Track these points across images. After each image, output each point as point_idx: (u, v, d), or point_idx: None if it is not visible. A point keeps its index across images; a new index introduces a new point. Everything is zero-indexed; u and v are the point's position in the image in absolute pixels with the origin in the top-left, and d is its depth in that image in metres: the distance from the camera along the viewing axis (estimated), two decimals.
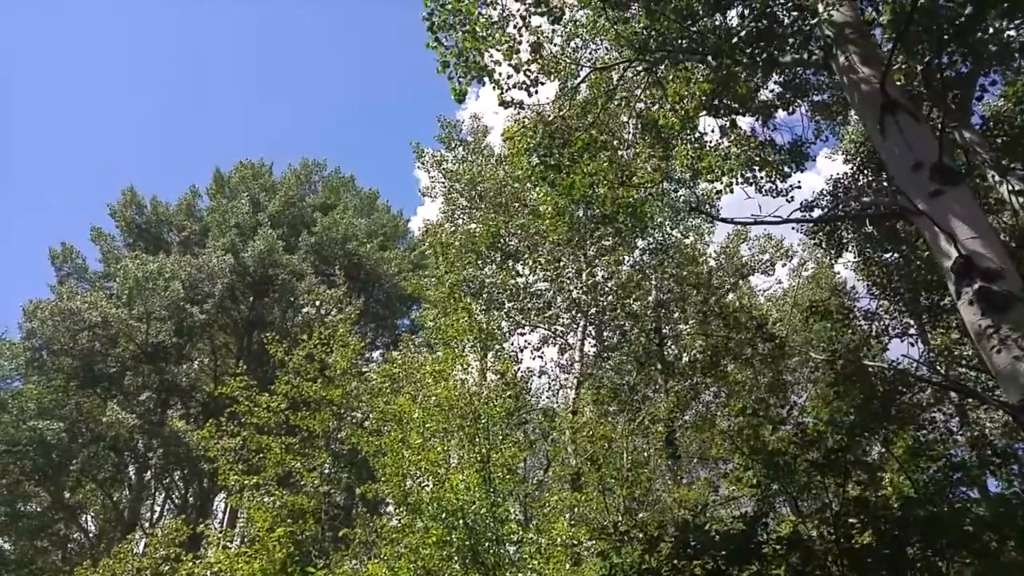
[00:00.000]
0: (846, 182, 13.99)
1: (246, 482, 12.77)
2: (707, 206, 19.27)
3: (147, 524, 30.24)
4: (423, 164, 23.94)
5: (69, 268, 32.71)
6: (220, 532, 14.89)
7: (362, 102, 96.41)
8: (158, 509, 33.51)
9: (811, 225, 15.09)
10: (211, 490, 29.93)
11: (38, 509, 31.45)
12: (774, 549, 5.13)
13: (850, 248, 14.84)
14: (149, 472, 31.66)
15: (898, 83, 9.88)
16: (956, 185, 6.18)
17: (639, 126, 15.07)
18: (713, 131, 12.97)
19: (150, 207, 34.42)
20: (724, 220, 9.74)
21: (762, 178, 14.10)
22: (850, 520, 5.23)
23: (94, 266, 33.49)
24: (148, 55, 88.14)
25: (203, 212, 34.90)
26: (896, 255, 14.34)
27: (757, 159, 14.14)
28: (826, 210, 13.62)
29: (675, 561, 5.24)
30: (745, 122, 14.29)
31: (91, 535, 33.58)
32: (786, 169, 14.16)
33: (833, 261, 18.06)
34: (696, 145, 14.00)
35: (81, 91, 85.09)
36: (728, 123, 13.68)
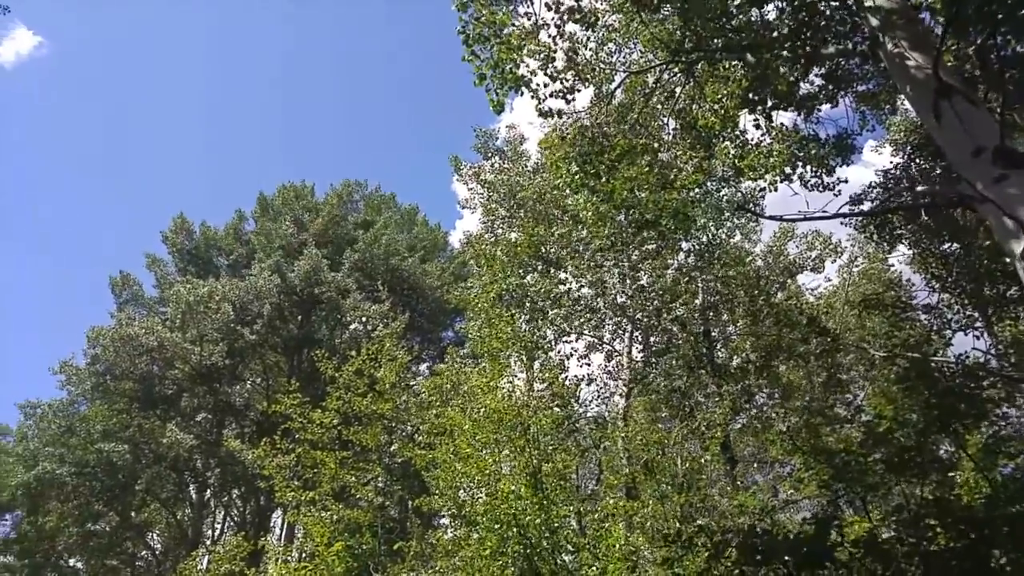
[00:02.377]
0: (897, 172, 13.58)
1: (302, 498, 12.93)
2: (751, 205, 18.94)
3: (209, 541, 30.92)
4: (461, 176, 24.06)
5: (127, 295, 33.78)
6: (280, 548, 15.09)
7: (398, 119, 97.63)
8: (219, 527, 34.23)
9: (861, 219, 14.69)
10: (268, 507, 30.45)
11: (107, 528, 32.47)
12: (849, 552, 4.95)
13: (904, 241, 14.39)
14: (208, 491, 32.39)
15: (950, 65, 9.57)
16: (1021, 168, 5.94)
17: (678, 127, 14.90)
18: (757, 127, 12.72)
19: (199, 232, 35.32)
20: (770, 218, 9.55)
21: (807, 174, 13.81)
22: (929, 521, 5.02)
23: (150, 292, 34.53)
24: (182, 88, 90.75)
25: (249, 235, 35.66)
26: (955, 245, 13.84)
27: (801, 154, 13.85)
28: (876, 203, 13.25)
29: (743, 567, 5.11)
30: (787, 117, 14.02)
31: (157, 553, 34.50)
32: (831, 163, 13.84)
33: (886, 255, 17.55)
34: (737, 143, 13.78)
35: (131, 125, 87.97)
36: (769, 119, 13.43)
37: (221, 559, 17.69)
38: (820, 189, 13.78)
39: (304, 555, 15.98)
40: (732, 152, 14.01)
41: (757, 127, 12.58)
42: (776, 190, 13.91)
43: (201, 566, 21.34)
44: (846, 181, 13.28)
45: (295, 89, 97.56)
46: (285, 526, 29.21)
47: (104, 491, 29.95)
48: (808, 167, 13.80)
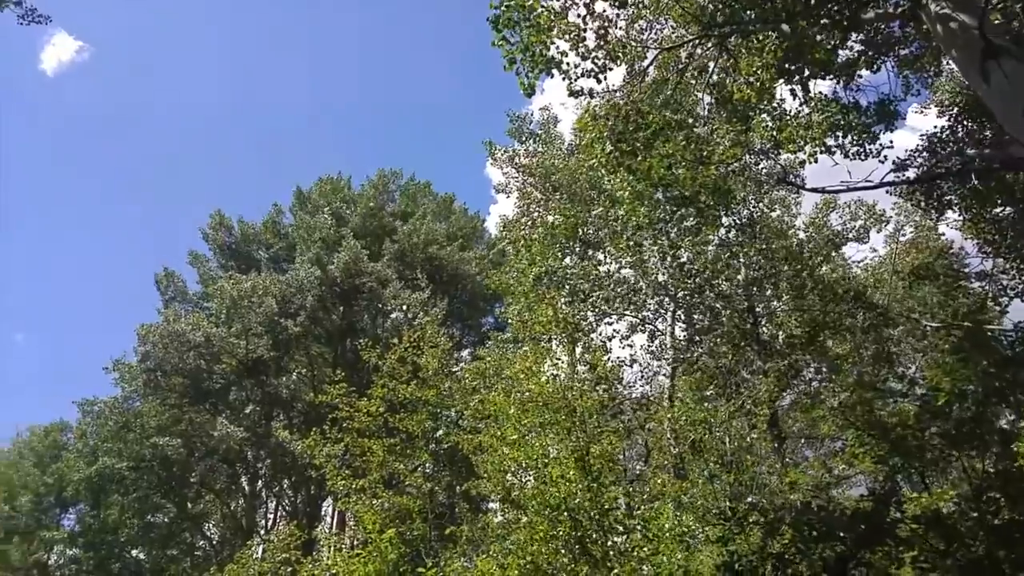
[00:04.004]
0: (943, 136, 13.13)
1: (353, 486, 13.14)
2: (791, 177, 18.55)
3: (263, 531, 31.68)
4: (496, 161, 24.01)
5: (172, 291, 34.56)
6: (333, 536, 15.39)
7: (428, 106, 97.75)
8: (271, 516, 35.05)
9: (907, 186, 14.26)
10: (319, 496, 31.07)
11: (166, 520, 33.55)
12: (910, 528, 4.85)
13: (954, 206, 13.92)
14: (260, 482, 33.16)
15: (996, 24, 9.21)
16: None
17: (713, 102, 14.65)
18: (795, 97, 12.43)
19: (238, 228, 35.89)
20: (812, 190, 9.34)
21: (848, 143, 13.48)
22: (992, 494, 4.88)
23: (193, 288, 35.25)
24: (206, 86, 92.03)
25: (287, 229, 36.15)
26: (1008, 209, 13.35)
27: (842, 123, 13.52)
28: (923, 168, 12.86)
29: (799, 545, 5.04)
30: (825, 86, 13.69)
31: (214, 543, 35.49)
32: (874, 130, 13.47)
33: (935, 222, 17.02)
34: (775, 116, 13.51)
35: (165, 123, 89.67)
36: (807, 90, 13.11)
37: (276, 548, 18.12)
38: (863, 157, 13.46)
39: (356, 542, 16.25)
40: (770, 124, 13.76)
41: (795, 97, 12.31)
42: (816, 161, 13.61)
43: (256, 555, 21.88)
44: (891, 145, 12.89)
45: (323, 82, 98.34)
46: (336, 514, 29.79)
47: (161, 484, 30.91)
48: (849, 136, 13.49)
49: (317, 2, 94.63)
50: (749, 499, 8.40)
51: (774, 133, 13.83)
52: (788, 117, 13.39)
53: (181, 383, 30.27)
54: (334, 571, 12.01)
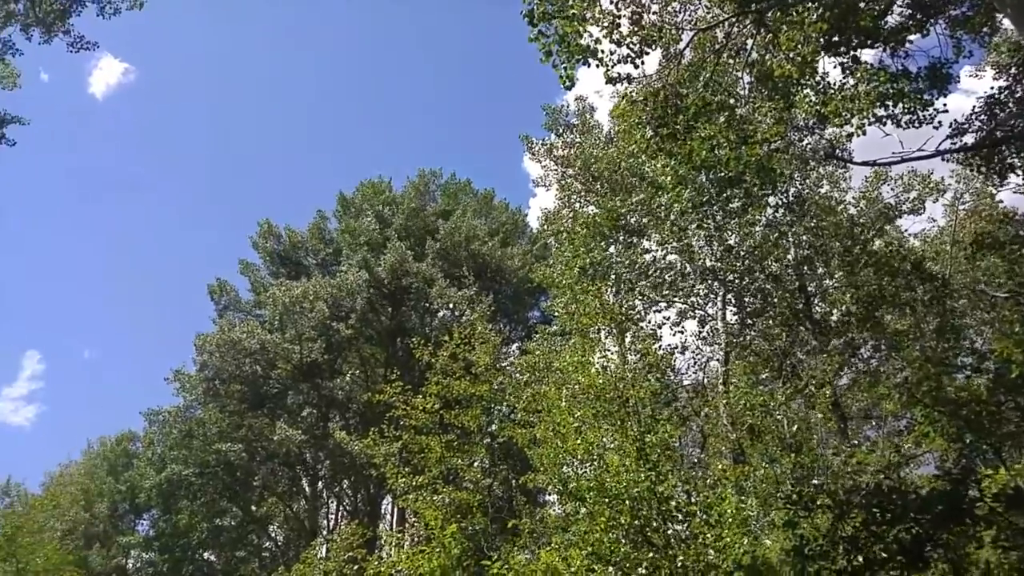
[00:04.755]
0: (1002, 97, 12.60)
1: (413, 483, 13.31)
2: (839, 151, 18.08)
3: (325, 531, 32.36)
4: (534, 155, 23.94)
5: (226, 301, 35.42)
6: (397, 533, 15.63)
7: (462, 104, 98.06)
8: (333, 516, 35.76)
9: (965, 152, 13.73)
10: (378, 494, 31.58)
11: (233, 523, 34.57)
12: (989, 507, 4.69)
13: (1017, 171, 13.33)
14: (320, 483, 33.86)
15: None
16: None
17: (753, 80, 14.36)
18: (843, 69, 12.08)
19: (285, 236, 36.56)
20: (863, 163, 9.04)
21: (898, 112, 13.03)
22: None
23: (245, 296, 36.08)
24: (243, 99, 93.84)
25: (333, 234, 36.70)
26: None
27: (891, 92, 13.08)
28: (981, 133, 12.36)
29: (871, 527, 4.92)
30: (870, 55, 13.24)
31: (280, 544, 36.42)
32: (926, 96, 13.00)
33: (996, 188, 16.34)
34: (819, 90, 13.15)
35: (207, 137, 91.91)
36: (852, 60, 12.72)
37: (339, 547, 18.50)
38: (915, 125, 13.00)
39: (417, 539, 16.47)
40: (813, 99, 13.40)
41: (843, 69, 11.97)
42: (864, 134, 13.20)
43: (321, 554, 22.36)
44: (945, 111, 12.40)
45: (356, 87, 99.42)
46: (395, 511, 30.24)
47: (226, 489, 31.84)
48: (900, 104, 13.04)
49: (349, 6, 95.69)
50: (815, 482, 8.22)
51: (818, 108, 13.47)
52: (833, 90, 13.02)
53: (239, 390, 31.04)
54: (399, 567, 12.19)
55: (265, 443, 30.84)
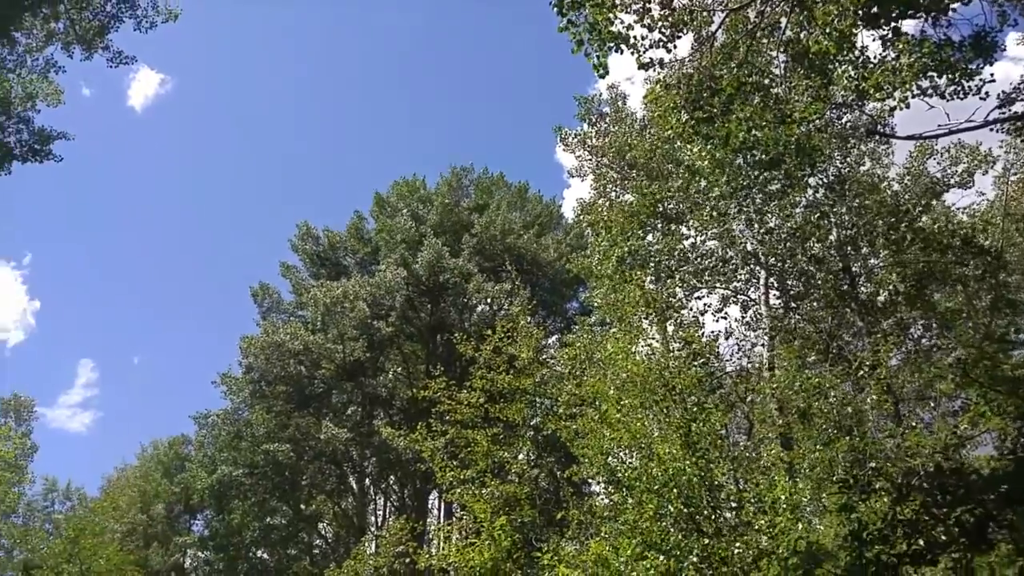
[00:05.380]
0: None
1: (460, 476, 13.42)
2: (881, 127, 17.64)
3: (374, 527, 32.81)
4: (568, 146, 23.80)
5: (268, 303, 36.01)
6: (447, 526, 15.79)
7: (491, 98, 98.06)
8: (381, 512, 36.21)
9: (1015, 122, 13.28)
10: (424, 489, 31.90)
11: (283, 522, 35.27)
12: None
13: None
14: (367, 479, 34.31)
15: None
16: None
17: (788, 59, 14.08)
18: (883, 42, 11.77)
19: (324, 237, 37.02)
20: (907, 138, 8.83)
21: (942, 83, 12.66)
22: None
23: (287, 297, 36.64)
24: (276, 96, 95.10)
25: (370, 233, 37.04)
26: None
27: (934, 63, 12.70)
28: None
29: (932, 510, 4.81)
30: (911, 26, 12.87)
31: (330, 541, 37.04)
32: (970, 66, 12.60)
33: None
34: (857, 64, 12.83)
35: (241, 143, 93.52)
36: (892, 32, 12.38)
37: (388, 543, 18.76)
38: (960, 96, 12.62)
39: (465, 532, 16.61)
40: (852, 74, 13.08)
41: (883, 42, 11.66)
42: (907, 107, 12.85)
43: (370, 550, 22.70)
44: (992, 80, 12.00)
45: (385, 86, 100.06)
46: (442, 506, 30.53)
47: (275, 488, 32.47)
48: (944, 75, 12.66)
49: (379, 5, 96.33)
50: (871, 465, 8.07)
51: (858, 83, 13.14)
52: (873, 64, 12.69)
53: (285, 390, 31.59)
54: (450, 561, 12.31)
55: (312, 442, 31.34)
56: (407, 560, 14.36)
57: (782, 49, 13.53)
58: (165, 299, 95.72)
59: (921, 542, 5.44)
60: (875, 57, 12.60)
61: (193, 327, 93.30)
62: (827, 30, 12.03)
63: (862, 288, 19.39)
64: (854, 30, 11.97)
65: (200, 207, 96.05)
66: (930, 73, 12.60)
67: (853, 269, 19.39)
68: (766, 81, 14.00)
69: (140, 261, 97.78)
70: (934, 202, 20.39)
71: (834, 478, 9.01)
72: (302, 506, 34.92)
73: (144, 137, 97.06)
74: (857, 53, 12.59)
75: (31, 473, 34.80)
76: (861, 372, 12.81)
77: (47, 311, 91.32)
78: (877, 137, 18.49)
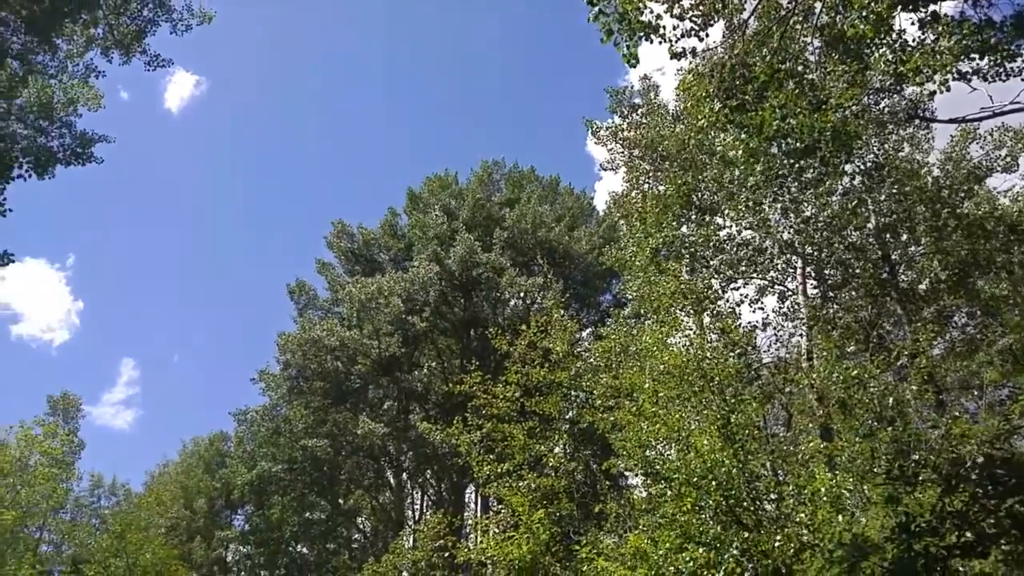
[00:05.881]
0: None
1: (499, 470, 13.48)
2: (921, 111, 17.26)
3: (412, 521, 33.12)
4: (600, 139, 23.66)
5: (304, 300, 36.47)
6: (485, 520, 15.90)
7: (519, 92, 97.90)
8: (418, 506, 36.53)
9: None
10: (461, 483, 32.07)
11: (322, 516, 35.78)
12: None
13: None
14: (405, 474, 34.63)
15: None
16: None
17: (823, 45, 13.85)
18: (912, 23, 11.53)
19: (358, 234, 37.36)
20: (949, 121, 8.63)
21: (984, 65, 12.36)
22: None
23: (323, 295, 37.07)
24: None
25: (404, 230, 37.30)
26: None
27: (974, 45, 12.39)
28: None
29: (982, 500, 4.72)
30: (951, 7, 12.59)
31: (368, 535, 37.49)
32: (1013, 48, 12.28)
33: None
34: (895, 48, 12.56)
35: (277, 142, 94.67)
36: (930, 14, 12.10)
37: (426, 536, 18.91)
38: (1003, 78, 12.36)
39: (503, 526, 16.70)
40: (890, 58, 12.82)
41: (921, 24, 11.40)
42: (948, 90, 12.56)
43: (408, 544, 22.93)
44: None
45: (415, 82, 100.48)
46: (479, 500, 30.68)
47: (314, 483, 32.94)
48: (985, 57, 12.36)
49: (408, 2, 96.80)
50: (915, 456, 7.93)
51: (896, 67, 12.87)
52: (911, 47, 12.42)
53: (322, 386, 31.99)
54: (489, 554, 12.39)
55: (349, 437, 31.71)
56: (446, 554, 14.48)
57: (816, 34, 13.32)
58: (203, 297, 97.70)
59: (971, 534, 5.34)
60: (913, 40, 12.34)
61: (231, 325, 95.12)
62: (863, 13, 11.80)
63: (902, 276, 19.00)
64: (892, 12, 11.73)
65: (236, 206, 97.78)
66: (971, 55, 12.32)
67: (893, 257, 19.02)
68: (800, 68, 13.79)
69: (178, 260, 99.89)
70: (977, 187, 19.87)
71: (876, 469, 8.87)
72: (340, 501, 35.37)
73: (180, 138, 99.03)
74: (895, 36, 12.34)
75: (78, 470, 35.76)
76: (901, 361, 12.58)
77: (90, 311, 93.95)
78: (917, 121, 18.09)
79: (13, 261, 14.88)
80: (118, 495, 41.40)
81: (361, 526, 38.60)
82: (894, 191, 18.43)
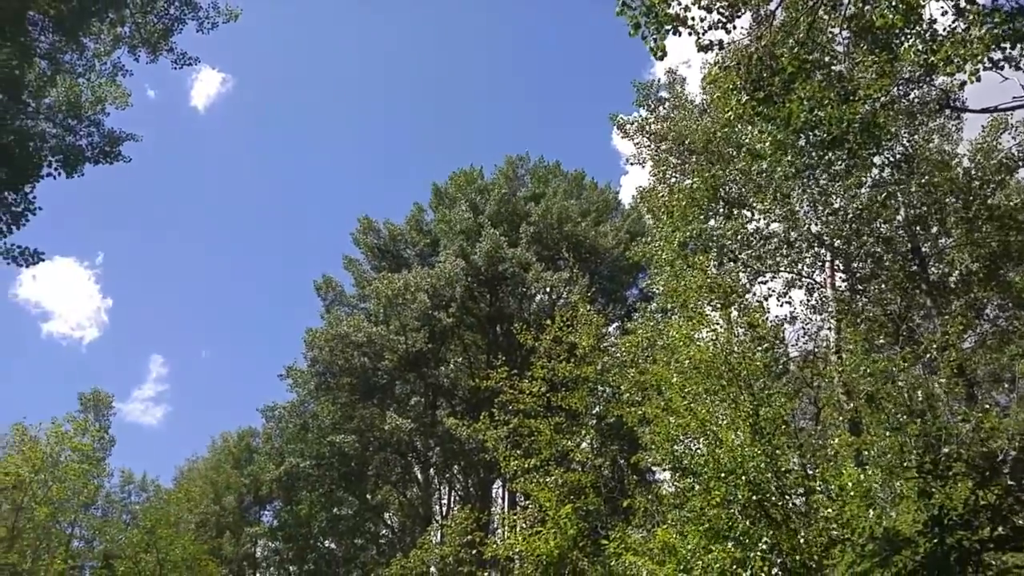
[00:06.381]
0: None
1: (526, 465, 13.54)
2: (952, 101, 17.00)
3: (439, 517, 33.33)
4: (626, 133, 23.58)
5: (331, 296, 36.73)
6: (513, 515, 16.00)
7: (543, 87, 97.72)
8: (445, 501, 36.72)
9: None
10: (488, 479, 32.19)
11: (350, 512, 36.09)
12: None
13: None
14: (432, 469, 34.80)
15: None
16: None
17: (851, 35, 13.70)
18: (943, 13, 11.37)
19: (384, 230, 37.58)
20: (982, 111, 8.49)
21: (1017, 53, 12.14)
22: None
23: (349, 291, 37.35)
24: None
25: (430, 225, 37.43)
26: None
27: (1006, 34, 12.19)
28: None
29: (1018, 494, 4.69)
30: None
31: (395, 531, 37.77)
32: None
33: None
34: (926, 38, 12.39)
35: (298, 141, 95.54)
36: (962, 2, 11.91)
37: (453, 532, 19.04)
38: None
39: (531, 521, 16.78)
40: (920, 48, 12.65)
41: (952, 13, 11.23)
42: (979, 80, 12.36)
43: (436, 539, 23.11)
44: None
45: (440, 78, 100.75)
46: (506, 495, 30.78)
47: (341, 479, 33.21)
48: (1018, 46, 12.16)
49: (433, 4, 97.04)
50: (944, 450, 7.85)
51: (926, 57, 12.69)
52: (941, 37, 12.24)
53: (349, 382, 32.21)
54: (517, 549, 12.46)
55: (376, 433, 31.91)
56: (473, 550, 14.58)
57: (845, 25, 13.19)
58: (231, 294, 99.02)
59: (1004, 528, 5.30)
60: (944, 29, 12.17)
61: (259, 321, 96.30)
62: (892, 3, 11.66)
63: (932, 268, 18.75)
64: (921, 1, 11.58)
65: (263, 203, 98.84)
66: (1003, 44, 12.12)
67: (923, 249, 18.78)
68: (828, 58, 13.67)
69: (205, 257, 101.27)
70: (1008, 178, 19.52)
71: (905, 464, 8.80)
72: (368, 496, 35.63)
73: (207, 136, 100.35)
74: (925, 26, 12.19)
75: (109, 466, 36.42)
76: (931, 354, 12.42)
77: (119, 308, 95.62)
78: (947, 112, 17.82)
79: (43, 260, 15.07)
80: (148, 491, 42.16)
81: (389, 521, 38.88)
82: (924, 182, 18.18)
